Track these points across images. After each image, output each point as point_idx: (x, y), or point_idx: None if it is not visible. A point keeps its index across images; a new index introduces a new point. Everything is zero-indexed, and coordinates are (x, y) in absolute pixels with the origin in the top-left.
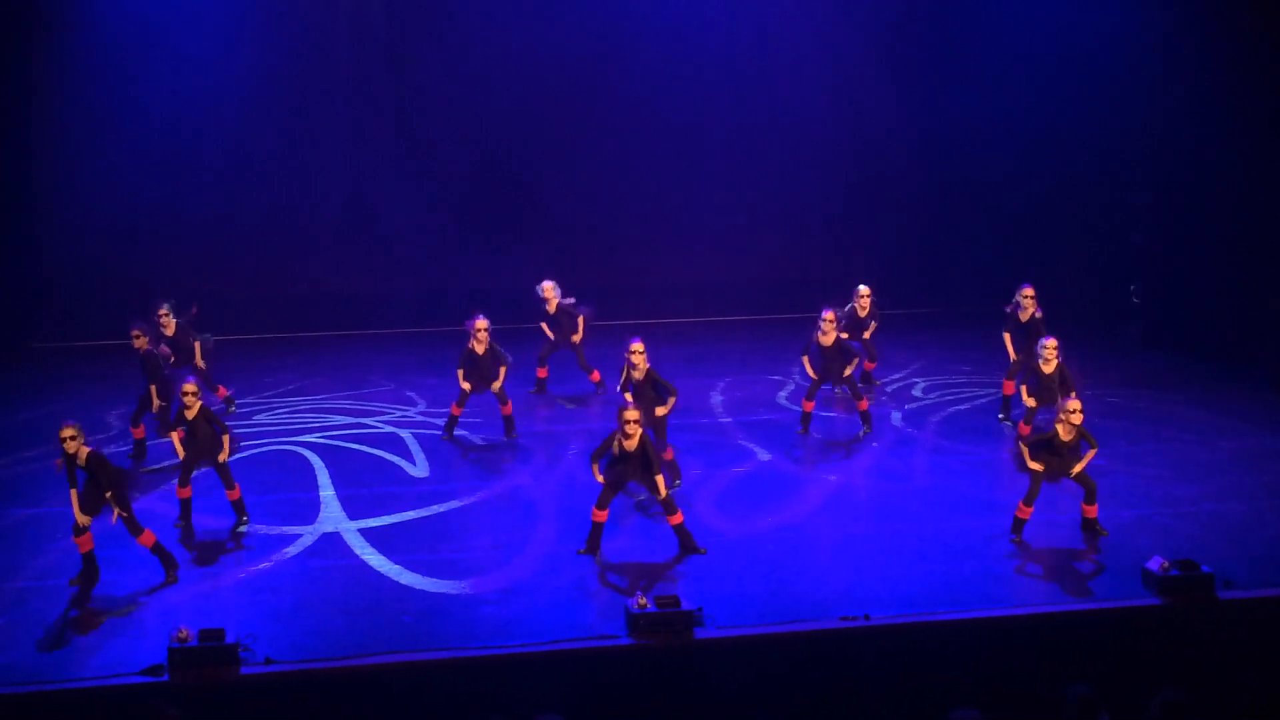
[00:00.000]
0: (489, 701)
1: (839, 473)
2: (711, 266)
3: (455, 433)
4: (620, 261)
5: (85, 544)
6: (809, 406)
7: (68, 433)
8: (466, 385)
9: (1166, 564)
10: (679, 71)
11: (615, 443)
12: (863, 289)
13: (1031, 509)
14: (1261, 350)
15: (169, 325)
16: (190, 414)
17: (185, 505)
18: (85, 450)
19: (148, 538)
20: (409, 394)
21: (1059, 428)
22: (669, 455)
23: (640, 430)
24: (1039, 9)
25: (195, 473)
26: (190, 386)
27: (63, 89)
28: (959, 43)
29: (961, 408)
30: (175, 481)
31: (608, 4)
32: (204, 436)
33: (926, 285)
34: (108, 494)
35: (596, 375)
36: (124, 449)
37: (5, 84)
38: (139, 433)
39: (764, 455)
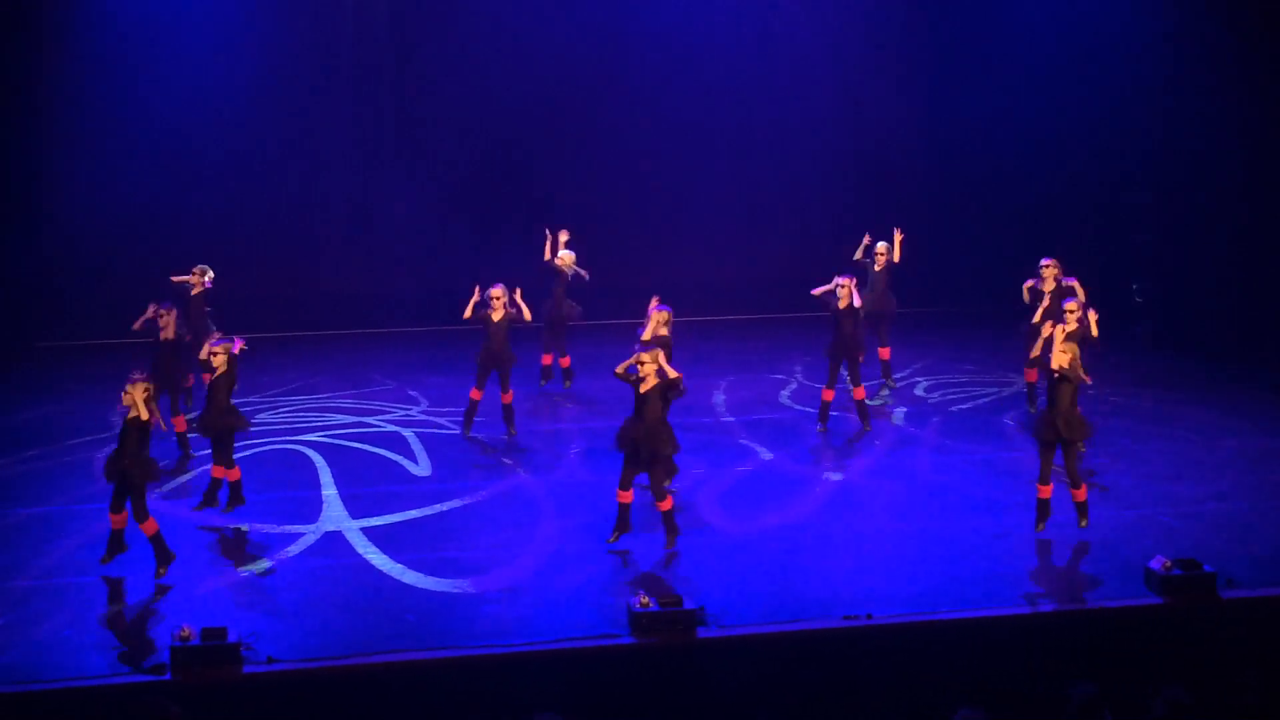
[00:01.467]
0: (491, 701)
1: (841, 472)
2: (714, 265)
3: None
4: (622, 260)
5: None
6: (828, 395)
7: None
8: (479, 390)
9: (1168, 563)
10: (682, 71)
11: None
12: (880, 245)
13: (1051, 486)
14: (1264, 349)
15: (199, 286)
16: (221, 369)
17: (219, 484)
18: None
19: (150, 525)
20: (411, 393)
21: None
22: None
23: (654, 373)
24: (1042, 10)
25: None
26: (219, 348)
27: (66, 89)
28: (961, 43)
29: (964, 406)
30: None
31: (610, 4)
32: (226, 403)
33: (929, 285)
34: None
35: (566, 361)
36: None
37: (8, 83)
38: (180, 424)
39: (766, 455)
